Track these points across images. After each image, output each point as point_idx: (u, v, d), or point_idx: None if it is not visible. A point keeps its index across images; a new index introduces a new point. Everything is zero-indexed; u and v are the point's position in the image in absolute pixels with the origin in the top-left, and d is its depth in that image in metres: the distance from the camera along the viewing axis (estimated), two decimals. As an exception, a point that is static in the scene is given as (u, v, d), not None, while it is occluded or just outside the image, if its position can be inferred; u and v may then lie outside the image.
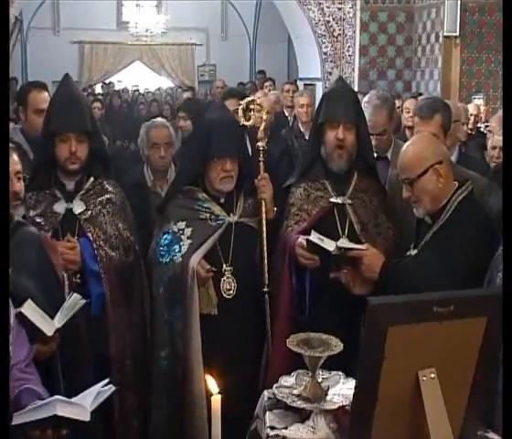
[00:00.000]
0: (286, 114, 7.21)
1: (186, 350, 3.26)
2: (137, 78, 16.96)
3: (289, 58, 15.91)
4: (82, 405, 2.16)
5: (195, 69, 17.02)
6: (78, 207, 3.28)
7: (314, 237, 3.09)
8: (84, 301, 2.79)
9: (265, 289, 3.39)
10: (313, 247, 3.08)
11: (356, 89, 9.89)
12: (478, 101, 8.59)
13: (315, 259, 3.13)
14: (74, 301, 2.70)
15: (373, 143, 4.09)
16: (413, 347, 1.88)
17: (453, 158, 4.35)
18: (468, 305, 1.92)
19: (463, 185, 2.96)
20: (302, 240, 3.15)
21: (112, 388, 2.31)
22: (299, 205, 3.44)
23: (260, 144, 3.53)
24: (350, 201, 3.39)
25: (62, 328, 2.64)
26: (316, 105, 3.84)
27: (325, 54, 10.62)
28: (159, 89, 15.31)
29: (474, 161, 4.85)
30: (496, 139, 5.15)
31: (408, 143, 3.08)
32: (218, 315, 3.33)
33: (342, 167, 3.39)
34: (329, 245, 3.05)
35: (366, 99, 4.26)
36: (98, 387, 2.28)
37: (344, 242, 3.15)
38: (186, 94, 10.97)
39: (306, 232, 3.23)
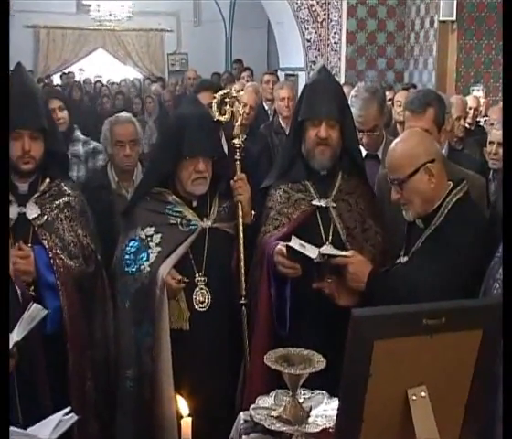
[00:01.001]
0: (266, 108, 7.25)
1: (154, 369, 3.27)
2: (100, 67, 16.89)
3: (269, 46, 15.96)
4: (39, 437, 2.14)
5: (164, 57, 16.98)
6: (32, 211, 3.28)
7: (295, 243, 3.11)
8: (46, 311, 2.77)
9: (242, 301, 3.42)
10: (293, 254, 3.10)
11: (342, 80, 9.96)
12: (477, 92, 8.68)
13: (297, 268, 3.16)
14: (35, 311, 2.68)
15: (363, 140, 4.15)
16: (402, 364, 1.90)
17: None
18: (461, 317, 1.95)
19: (457, 185, 2.99)
20: (281, 246, 3.18)
21: (74, 417, 2.30)
22: (278, 208, 3.47)
23: (236, 141, 3.56)
24: (334, 204, 3.42)
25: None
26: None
27: (309, 41, 10.66)
28: (125, 80, 15.26)
29: (466, 158, 4.90)
30: (493, 133, 5.21)
31: (397, 140, 3.10)
32: (190, 330, 3.35)
33: (325, 165, 3.43)
34: (311, 252, 3.08)
35: (353, 92, 4.29)
36: (59, 415, 2.27)
37: (327, 249, 3.18)
38: (155, 86, 11.01)
39: (286, 238, 3.26)
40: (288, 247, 3.12)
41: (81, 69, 16.47)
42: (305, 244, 3.13)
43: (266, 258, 3.28)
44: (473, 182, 3.47)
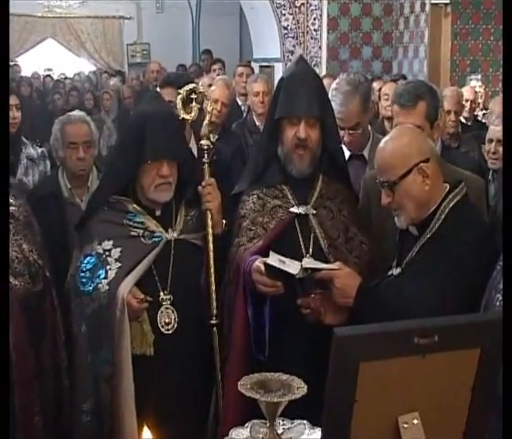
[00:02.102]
0: (240, 104, 7.28)
1: (115, 401, 3.26)
2: (50, 60, 16.81)
3: (241, 34, 16.01)
4: None
5: (123, 48, 16.96)
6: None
7: (274, 259, 3.12)
8: None
9: (213, 321, 3.42)
10: (273, 271, 3.11)
11: (323, 71, 10.03)
12: (475, 83, 8.79)
13: (278, 285, 3.16)
14: None
15: (345, 138, 4.17)
16: (391, 388, 1.91)
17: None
18: (457, 335, 1.96)
19: (455, 187, 3.03)
20: (259, 263, 3.18)
21: None
22: (252, 217, 3.48)
23: (203, 142, 3.56)
24: (314, 211, 3.45)
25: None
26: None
27: (286, 29, 10.71)
28: (79, 74, 15.21)
29: (462, 157, 4.95)
30: (492, 130, 5.25)
31: (386, 137, 3.13)
32: (154, 355, 3.34)
33: (304, 171, 3.45)
34: (292, 268, 3.08)
35: (334, 85, 4.31)
36: None
37: (310, 262, 3.19)
38: (113, 80, 10.98)
39: (262, 252, 3.27)
40: (266, 264, 3.13)
41: (49, 69, 16.25)
42: (285, 259, 3.14)
43: (242, 275, 3.29)
44: (470, 184, 3.49)
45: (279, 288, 3.16)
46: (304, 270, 3.08)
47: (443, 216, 2.96)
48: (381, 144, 3.10)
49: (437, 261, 2.88)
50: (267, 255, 3.22)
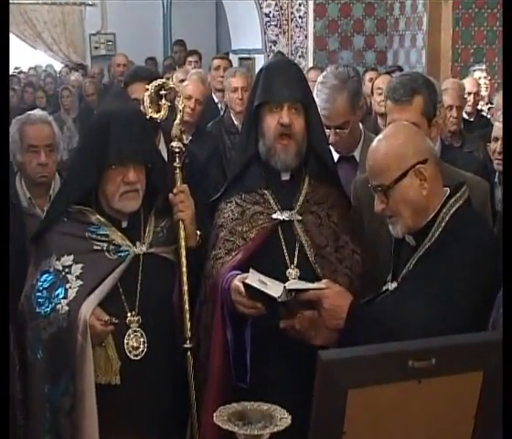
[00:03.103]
0: (216, 101, 7.29)
1: (76, 436, 3.24)
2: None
3: (218, 22, 16.02)
4: None
5: (86, 39, 16.91)
6: None
7: (254, 279, 3.12)
8: None
9: (187, 345, 3.42)
10: (253, 293, 3.11)
11: (310, 63, 10.06)
12: (479, 74, 8.84)
13: (258, 307, 3.16)
14: None
15: (330, 138, 4.18)
16: (383, 417, 1.92)
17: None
18: (456, 357, 1.97)
19: (456, 191, 3.04)
20: (238, 283, 3.18)
21: None
22: (230, 227, 3.49)
23: (174, 143, 3.56)
24: (300, 217, 3.46)
25: None
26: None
27: (268, 16, 10.72)
28: (35, 68, 15.18)
29: (464, 157, 4.97)
30: (497, 127, 5.27)
31: (379, 136, 3.14)
32: (121, 384, 3.33)
33: (289, 164, 3.47)
34: (274, 290, 3.07)
35: (320, 79, 4.33)
36: None
37: (294, 283, 3.19)
38: (75, 75, 10.95)
39: (242, 265, 3.28)
40: (246, 285, 3.12)
41: (35, 68, 16.14)
42: (267, 279, 3.14)
43: (220, 293, 3.29)
44: (473, 187, 3.51)
45: (260, 309, 3.16)
46: (288, 292, 3.06)
47: (443, 223, 2.97)
48: (373, 144, 3.11)
49: (437, 274, 2.89)
50: (247, 269, 3.22)
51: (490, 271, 2.83)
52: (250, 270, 3.19)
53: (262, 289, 3.08)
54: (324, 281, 3.17)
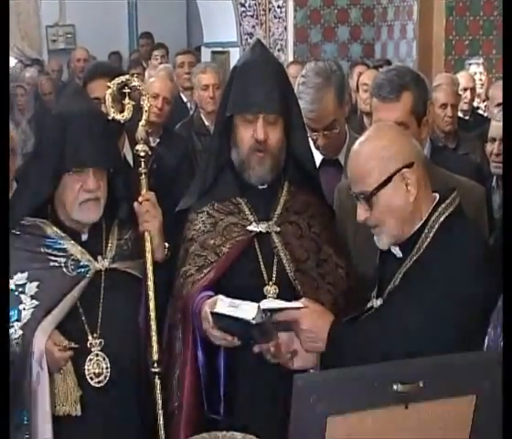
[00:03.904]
0: (185, 100, 7.29)
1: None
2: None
3: (188, 13, 15.99)
4: None
5: (41, 31, 16.80)
6: None
7: (224, 305, 3.09)
8: None
9: (155, 369, 3.41)
10: (224, 321, 3.09)
11: (290, 57, 10.04)
12: (475, 68, 8.88)
13: (229, 339, 3.17)
14: None
15: (319, 142, 4.21)
16: (367, 446, 1.92)
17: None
18: (447, 380, 1.98)
19: (446, 197, 3.04)
20: (208, 310, 3.17)
21: None
22: (201, 240, 3.49)
23: (139, 147, 3.54)
24: (278, 228, 3.47)
25: None
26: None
27: (243, 6, 10.72)
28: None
29: (458, 160, 4.99)
30: (494, 126, 5.26)
31: (360, 138, 3.13)
32: (82, 414, 3.32)
33: (264, 177, 3.48)
34: (247, 312, 3.04)
35: (300, 79, 4.33)
36: None
37: (269, 302, 3.17)
38: (30, 71, 10.89)
39: (215, 285, 3.29)
40: (214, 315, 3.10)
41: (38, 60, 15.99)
42: (238, 302, 3.12)
43: (190, 316, 3.30)
44: (467, 192, 3.53)
45: (232, 341, 3.16)
46: (263, 312, 3.04)
47: (432, 233, 2.97)
48: (354, 146, 3.10)
49: (426, 289, 2.88)
50: (221, 289, 3.22)
51: (484, 284, 2.84)
52: (219, 298, 3.15)
53: (233, 314, 3.05)
54: (302, 299, 3.16)
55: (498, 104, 6.00)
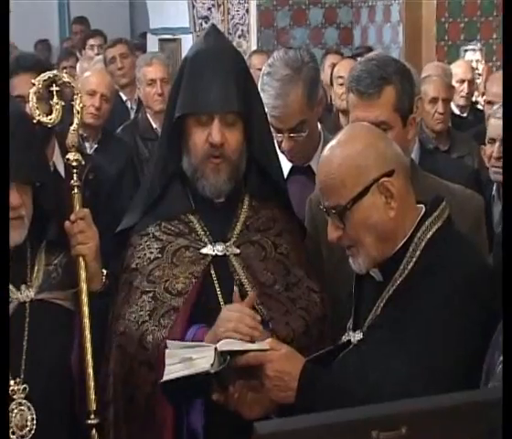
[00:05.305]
0: (124, 99, 7.27)
1: None
2: None
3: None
4: None
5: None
6: None
7: (172, 362, 3.09)
8: None
9: (92, 420, 3.40)
10: (177, 384, 3.09)
11: (253, 45, 10.03)
12: (471, 55, 8.95)
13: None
14: None
15: (284, 145, 4.21)
16: None
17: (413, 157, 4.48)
18: (433, 425, 1.99)
19: (434, 209, 3.06)
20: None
21: None
22: (148, 271, 3.50)
23: (71, 155, 3.54)
24: (238, 250, 3.50)
25: None
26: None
27: (197, -16, 10.75)
28: None
29: (451, 164, 5.03)
30: (493, 125, 5.26)
31: (331, 143, 3.14)
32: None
33: (221, 188, 3.50)
34: (203, 359, 3.04)
35: (265, 68, 4.34)
36: None
37: (228, 344, 3.12)
38: None
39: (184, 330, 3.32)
40: (164, 385, 3.11)
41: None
42: (189, 344, 3.14)
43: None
44: (463, 202, 3.58)
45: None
46: (221, 356, 3.03)
47: (418, 252, 2.99)
48: (324, 152, 3.12)
49: (413, 319, 2.90)
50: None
51: (481, 310, 2.86)
52: (166, 351, 3.16)
53: (186, 374, 3.04)
54: (267, 340, 3.15)
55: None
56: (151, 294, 3.45)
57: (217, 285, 3.46)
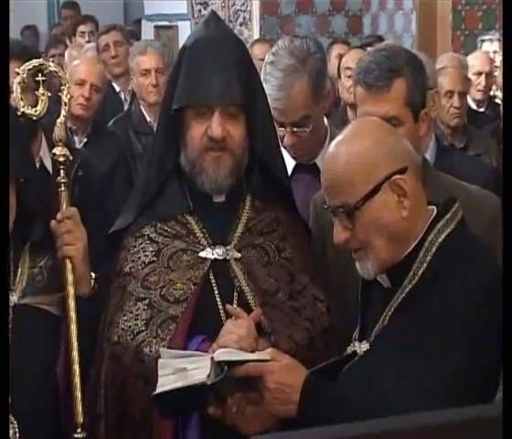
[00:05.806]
0: (117, 90, 7.27)
1: None
2: None
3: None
4: None
5: None
6: None
7: (167, 374, 3.08)
8: None
9: (78, 434, 3.39)
10: (169, 398, 3.08)
11: (255, 34, 10.04)
12: (489, 46, 8.93)
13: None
14: None
15: (286, 140, 4.20)
16: None
17: (428, 157, 4.49)
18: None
19: (446, 211, 3.04)
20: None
21: None
22: (142, 276, 3.49)
23: (57, 150, 3.53)
24: (239, 254, 3.50)
25: None
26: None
27: (196, -33, 10.76)
28: None
29: (469, 162, 5.02)
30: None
31: (338, 138, 3.12)
32: None
33: (221, 184, 3.50)
34: (199, 370, 3.04)
35: (269, 57, 4.33)
36: None
37: (226, 354, 3.12)
38: None
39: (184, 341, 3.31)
40: (156, 398, 3.09)
41: None
42: (182, 353, 3.13)
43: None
44: (480, 203, 3.57)
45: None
46: (218, 366, 3.03)
47: (429, 257, 2.96)
48: (331, 148, 3.10)
49: (423, 330, 2.89)
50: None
51: (496, 319, 2.81)
52: (159, 361, 3.15)
53: (180, 386, 3.03)
54: (268, 350, 3.15)
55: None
56: (146, 302, 3.44)
57: (216, 292, 3.46)
